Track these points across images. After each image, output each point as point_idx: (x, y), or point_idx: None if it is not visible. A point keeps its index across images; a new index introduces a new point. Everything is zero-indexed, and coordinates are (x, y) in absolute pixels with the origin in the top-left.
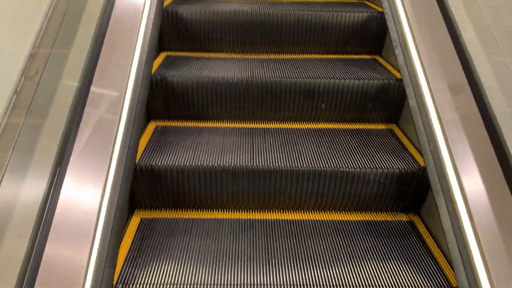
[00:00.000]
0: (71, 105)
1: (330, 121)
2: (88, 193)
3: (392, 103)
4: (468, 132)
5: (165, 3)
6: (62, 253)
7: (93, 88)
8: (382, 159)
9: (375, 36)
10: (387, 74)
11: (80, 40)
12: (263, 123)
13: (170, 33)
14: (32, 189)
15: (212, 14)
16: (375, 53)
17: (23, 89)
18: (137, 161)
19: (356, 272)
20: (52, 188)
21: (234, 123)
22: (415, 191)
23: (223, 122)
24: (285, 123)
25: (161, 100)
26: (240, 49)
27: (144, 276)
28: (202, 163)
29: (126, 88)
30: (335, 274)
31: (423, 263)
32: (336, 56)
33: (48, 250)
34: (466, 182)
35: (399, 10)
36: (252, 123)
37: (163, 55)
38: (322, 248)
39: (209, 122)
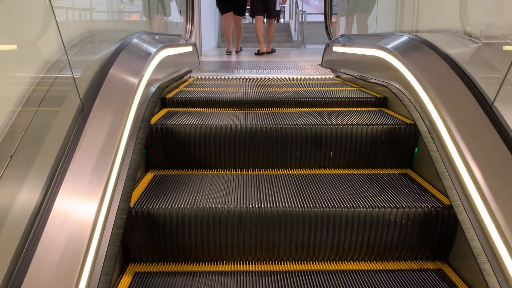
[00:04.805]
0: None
1: (340, 167)
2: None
3: (404, 148)
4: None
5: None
6: None
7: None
8: (402, 199)
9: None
10: (396, 120)
11: None
12: (270, 170)
13: None
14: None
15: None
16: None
17: None
18: (132, 205)
19: None
20: (33, 231)
21: (238, 171)
22: (441, 233)
23: (226, 170)
24: (293, 169)
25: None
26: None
27: None
28: (204, 206)
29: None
30: None
31: None
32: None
33: None
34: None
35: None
36: (258, 170)
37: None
38: None
39: (212, 170)
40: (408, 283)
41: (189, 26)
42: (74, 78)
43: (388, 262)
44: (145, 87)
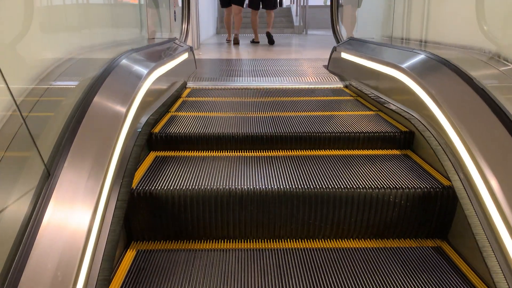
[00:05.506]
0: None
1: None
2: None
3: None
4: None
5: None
6: None
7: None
8: (402, 180)
9: None
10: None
11: None
12: (270, 151)
13: None
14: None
15: None
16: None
17: None
18: (134, 187)
19: None
20: (35, 212)
21: (239, 152)
22: (440, 213)
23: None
24: (293, 151)
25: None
26: None
27: None
28: (206, 187)
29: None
30: None
31: None
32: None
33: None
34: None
35: None
36: (258, 152)
37: None
38: (342, 278)
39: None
40: (407, 260)
41: (184, 26)
42: (35, 143)
43: (387, 240)
44: (130, 126)
